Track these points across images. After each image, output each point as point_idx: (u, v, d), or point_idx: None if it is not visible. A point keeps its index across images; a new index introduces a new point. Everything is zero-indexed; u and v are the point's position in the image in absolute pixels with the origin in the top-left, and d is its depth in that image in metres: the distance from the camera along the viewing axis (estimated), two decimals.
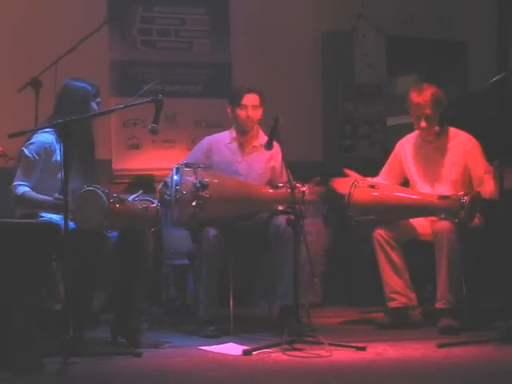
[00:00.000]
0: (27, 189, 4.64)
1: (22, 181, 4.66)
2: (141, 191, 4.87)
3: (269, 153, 5.29)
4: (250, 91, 5.34)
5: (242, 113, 5.34)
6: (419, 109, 5.23)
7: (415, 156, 5.41)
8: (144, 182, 5.98)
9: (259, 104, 5.34)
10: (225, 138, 5.47)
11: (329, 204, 5.98)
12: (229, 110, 5.43)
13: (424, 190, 5.32)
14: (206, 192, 4.93)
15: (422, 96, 5.22)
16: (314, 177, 5.28)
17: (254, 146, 5.45)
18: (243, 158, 5.44)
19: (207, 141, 5.50)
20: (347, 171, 5.39)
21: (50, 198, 4.54)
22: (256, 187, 5.22)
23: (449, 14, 7.20)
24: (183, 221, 5.03)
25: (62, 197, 4.34)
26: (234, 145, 5.45)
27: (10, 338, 3.94)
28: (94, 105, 4.81)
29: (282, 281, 5.03)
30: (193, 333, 5.05)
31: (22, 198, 4.62)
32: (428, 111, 5.21)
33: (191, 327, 5.17)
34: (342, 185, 5.31)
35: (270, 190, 5.16)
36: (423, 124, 5.23)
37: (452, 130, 5.37)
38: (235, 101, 5.35)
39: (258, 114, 5.36)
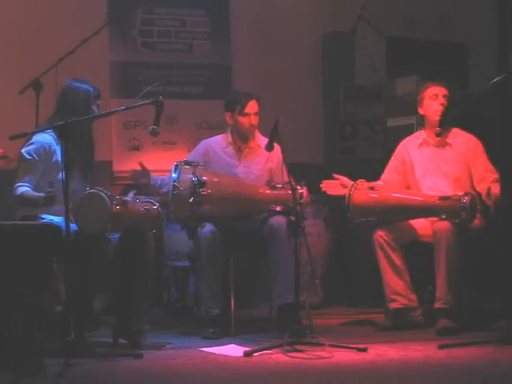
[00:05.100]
0: (27, 188, 4.63)
1: (22, 182, 4.66)
2: (134, 191, 4.89)
3: (266, 154, 5.29)
4: (251, 98, 5.32)
5: (245, 121, 5.33)
6: (439, 98, 5.29)
7: (418, 155, 5.42)
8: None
9: (258, 109, 5.34)
10: (221, 143, 5.46)
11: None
12: (228, 117, 5.41)
13: (426, 187, 5.32)
14: (204, 189, 4.94)
15: (440, 88, 5.31)
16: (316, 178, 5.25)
17: (251, 148, 5.44)
18: (241, 161, 5.43)
19: (203, 145, 5.50)
20: (336, 176, 5.35)
21: (43, 194, 4.52)
22: (254, 187, 5.22)
23: (449, 16, 7.20)
24: (180, 217, 5.04)
25: (52, 189, 4.36)
26: (231, 149, 5.43)
27: (11, 340, 3.94)
28: (94, 107, 4.81)
29: (278, 279, 5.03)
30: (194, 334, 5.05)
31: (21, 198, 4.62)
32: (445, 102, 5.27)
33: (192, 329, 5.17)
34: (331, 187, 5.31)
35: (268, 191, 5.16)
36: (438, 130, 5.22)
37: (454, 130, 5.39)
38: (237, 109, 5.32)
39: (257, 119, 5.36)
